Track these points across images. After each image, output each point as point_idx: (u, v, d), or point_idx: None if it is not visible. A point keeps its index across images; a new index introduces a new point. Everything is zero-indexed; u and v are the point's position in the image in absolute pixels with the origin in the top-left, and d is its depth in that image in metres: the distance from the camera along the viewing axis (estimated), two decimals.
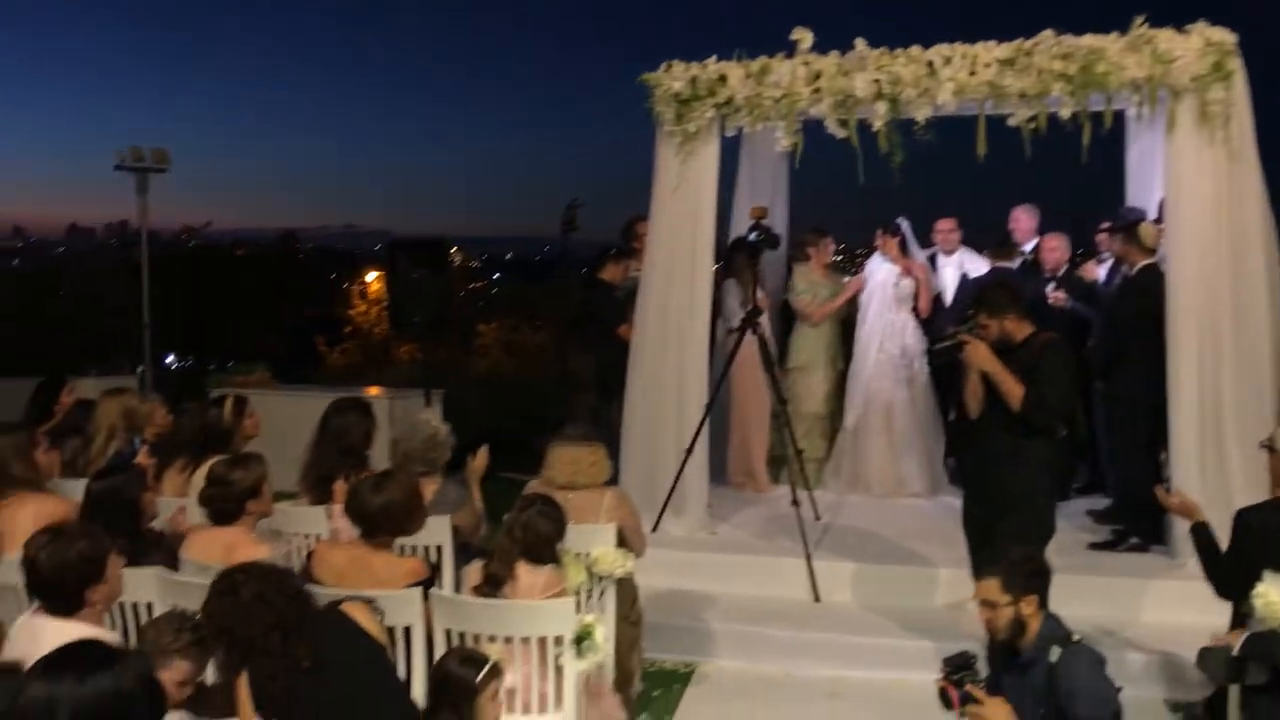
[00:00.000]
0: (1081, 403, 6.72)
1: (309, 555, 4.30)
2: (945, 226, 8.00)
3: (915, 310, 7.74)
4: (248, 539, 4.26)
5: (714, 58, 6.50)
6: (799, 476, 6.68)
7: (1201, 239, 5.85)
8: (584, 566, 4.38)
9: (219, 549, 4.22)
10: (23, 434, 4.82)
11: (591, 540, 4.67)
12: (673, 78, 6.54)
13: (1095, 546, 6.42)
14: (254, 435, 5.72)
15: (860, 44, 6.20)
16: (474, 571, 4.29)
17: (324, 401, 5.70)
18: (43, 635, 3.10)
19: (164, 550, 4.42)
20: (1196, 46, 5.76)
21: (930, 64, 6.04)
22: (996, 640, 3.49)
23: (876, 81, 6.08)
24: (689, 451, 6.50)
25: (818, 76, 6.23)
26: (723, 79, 6.42)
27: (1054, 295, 7.05)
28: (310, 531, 5.01)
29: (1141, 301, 6.20)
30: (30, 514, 4.32)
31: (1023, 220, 7.80)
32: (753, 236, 6.70)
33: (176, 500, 5.10)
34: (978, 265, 7.80)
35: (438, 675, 3.54)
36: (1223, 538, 4.40)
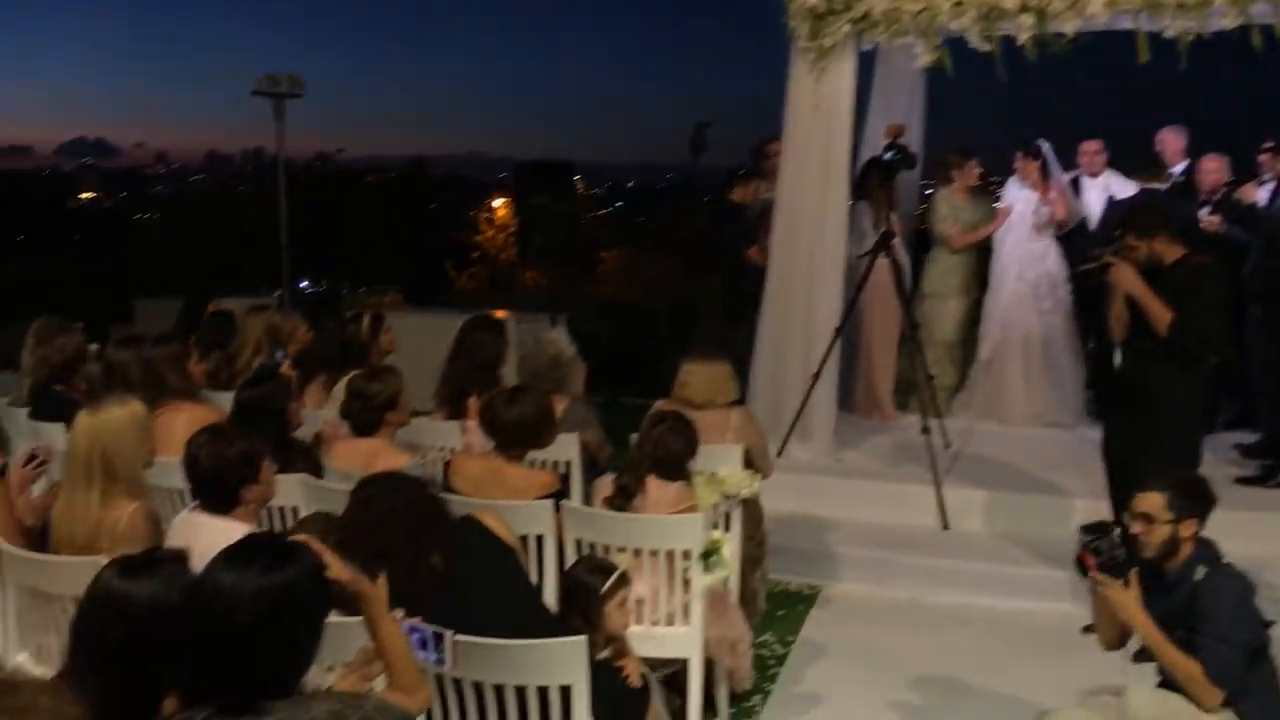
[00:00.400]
0: (1233, 331, 6.42)
1: (445, 466, 4.42)
2: (1091, 148, 7.65)
3: (1057, 229, 7.43)
4: (388, 448, 4.40)
5: None
6: (929, 404, 6.56)
7: None
8: (714, 485, 4.39)
9: (360, 458, 4.36)
10: (176, 345, 5.05)
11: (719, 460, 4.68)
12: None
13: (1243, 481, 6.18)
14: (390, 351, 5.87)
15: None
16: (605, 485, 4.35)
17: (453, 323, 5.82)
18: (200, 530, 3.27)
19: (308, 459, 4.59)
20: None
21: None
22: (1143, 557, 3.37)
23: None
24: (816, 377, 6.44)
25: None
26: None
27: (1207, 219, 6.70)
28: (444, 445, 5.14)
29: None
30: (184, 421, 4.51)
31: (1170, 141, 7.42)
32: (888, 156, 6.53)
33: (318, 412, 5.29)
34: (1124, 188, 7.46)
35: (567, 582, 3.63)
36: None
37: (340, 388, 5.32)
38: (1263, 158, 6.94)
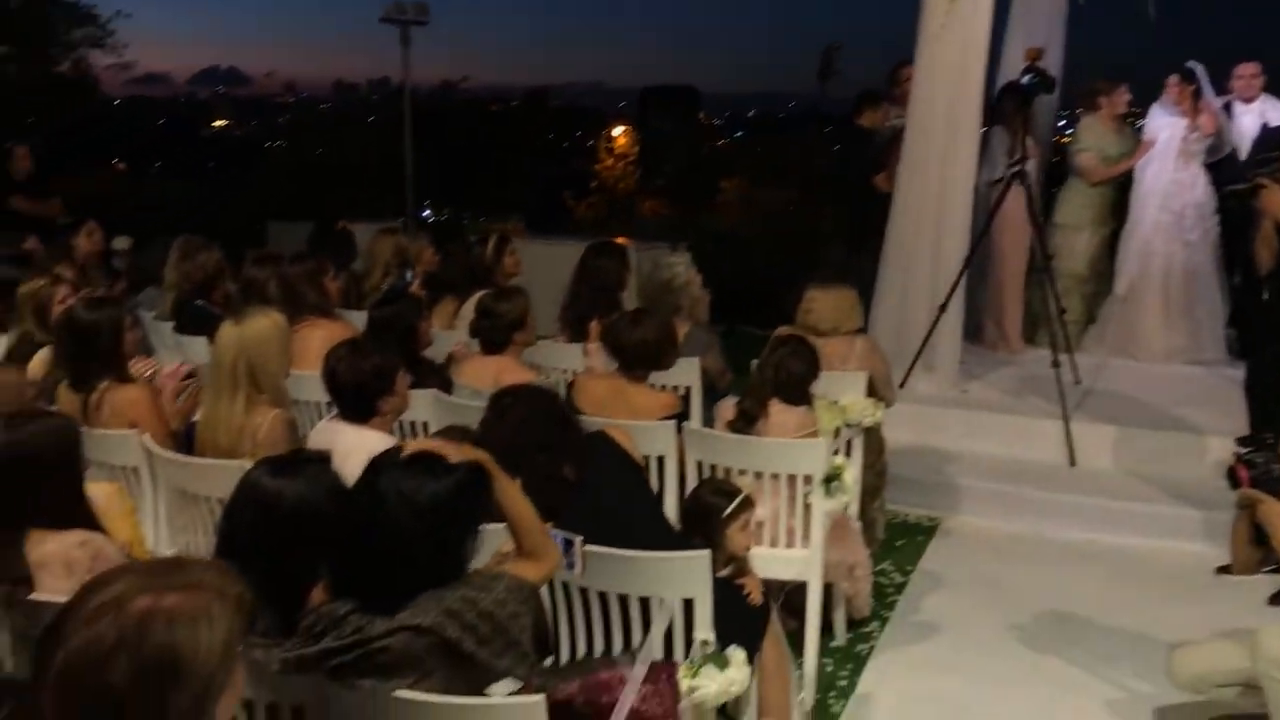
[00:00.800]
0: None
1: (569, 386, 4.49)
2: (1247, 71, 7.22)
3: (1206, 156, 7.07)
4: (515, 366, 4.49)
5: None
6: (1060, 337, 6.38)
7: None
8: (836, 411, 4.37)
9: (489, 375, 4.46)
10: (313, 262, 5.20)
11: (842, 387, 4.65)
12: None
13: None
14: (515, 274, 5.96)
15: None
16: (726, 409, 4.37)
17: (572, 251, 5.86)
18: (339, 438, 3.40)
19: (438, 376, 4.71)
20: None
21: None
22: None
23: None
24: (943, 307, 6.31)
25: None
26: None
27: None
28: (566, 367, 5.22)
29: None
30: (320, 337, 4.66)
31: None
32: (1026, 80, 6.30)
33: (446, 333, 5.41)
34: None
35: (691, 503, 3.67)
36: None
37: (467, 308, 5.44)
38: None
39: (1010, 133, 6.80)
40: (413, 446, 2.32)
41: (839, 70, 10.74)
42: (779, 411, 4.15)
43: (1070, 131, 8.16)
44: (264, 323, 3.74)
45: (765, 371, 4.23)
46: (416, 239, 6.58)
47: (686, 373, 4.78)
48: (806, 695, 3.84)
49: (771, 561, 3.89)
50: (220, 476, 3.46)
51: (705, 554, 3.01)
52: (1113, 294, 7.39)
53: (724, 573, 3.41)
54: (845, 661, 4.21)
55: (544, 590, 3.09)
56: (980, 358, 7.16)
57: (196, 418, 3.95)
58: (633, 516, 3.12)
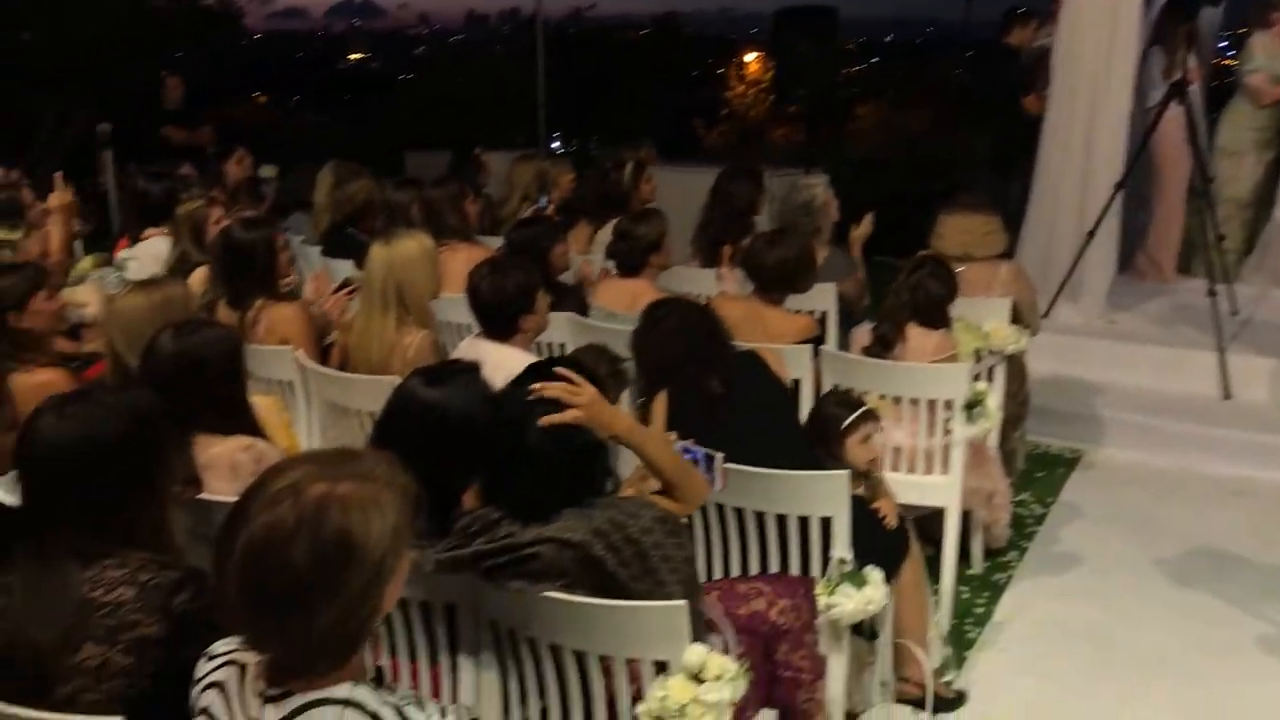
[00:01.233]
0: None
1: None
2: None
3: None
4: (650, 288, 4.51)
5: None
6: (1217, 265, 6.08)
7: None
8: (976, 334, 4.28)
9: (625, 297, 4.50)
10: (454, 186, 5.29)
11: (985, 312, 4.54)
12: None
13: None
14: (650, 200, 5.96)
15: None
16: (862, 334, 4.32)
17: (703, 178, 5.82)
18: (482, 355, 3.47)
19: (574, 299, 4.77)
20: None
21: None
22: None
23: None
24: (1091, 234, 6.08)
25: None
26: None
27: None
28: (700, 291, 5.20)
29: None
30: (460, 260, 4.74)
31: None
32: None
33: (581, 257, 5.46)
34: None
35: (813, 413, 3.63)
36: None
37: (603, 233, 5.47)
38: None
39: (1170, 51, 6.44)
40: (552, 390, 2.31)
41: None
42: (917, 335, 4.08)
43: (1232, 54, 7.70)
44: (411, 244, 3.83)
45: (902, 294, 4.15)
46: (558, 164, 6.62)
47: (823, 297, 4.73)
48: (942, 619, 3.83)
49: (909, 487, 3.86)
50: (371, 390, 3.60)
51: (844, 474, 3.01)
52: (1273, 221, 6.99)
53: (858, 492, 3.40)
54: (982, 589, 4.16)
55: None
56: (1130, 287, 6.88)
57: (332, 338, 4.11)
58: (776, 436, 3.13)
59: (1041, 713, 3.37)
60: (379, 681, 1.58)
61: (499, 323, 3.56)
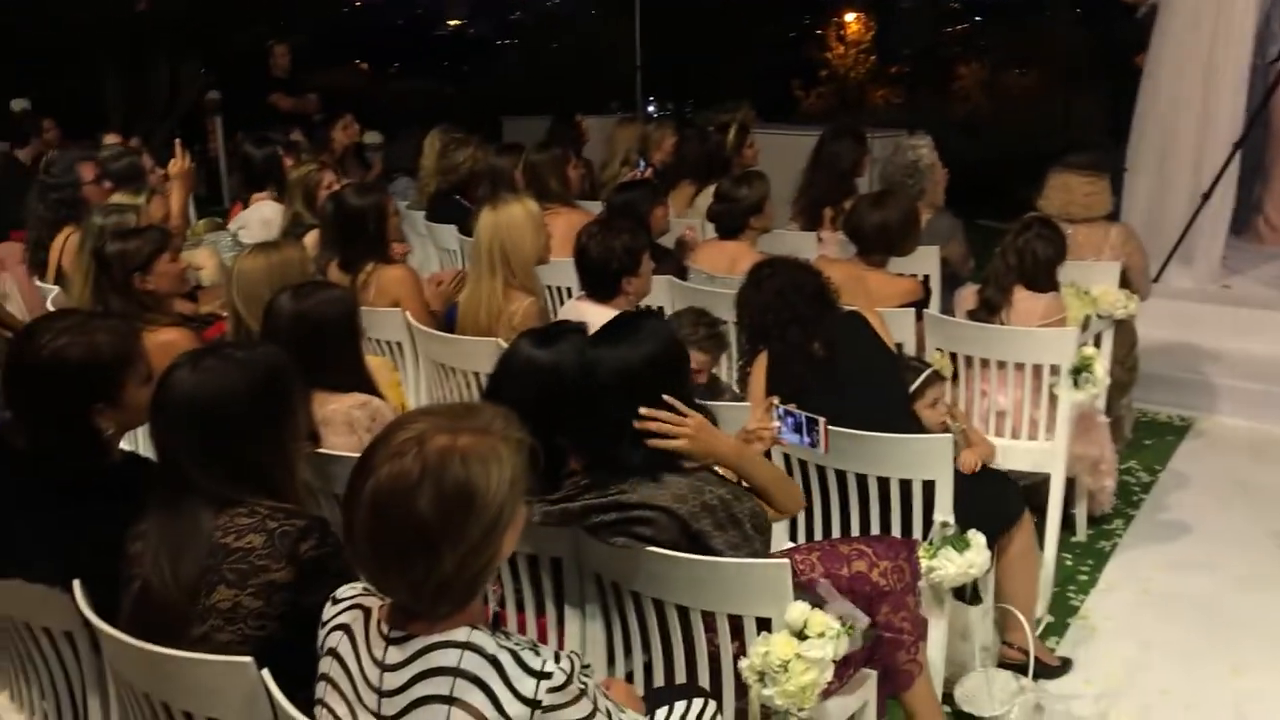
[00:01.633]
0: None
1: None
2: None
3: None
4: (750, 252, 4.50)
5: None
6: None
7: None
8: (1085, 299, 4.19)
9: (724, 260, 4.51)
10: (558, 151, 5.34)
11: (1093, 276, 4.44)
12: None
13: None
14: (753, 164, 5.93)
15: None
16: (967, 295, 4.27)
17: (801, 141, 5.76)
18: (585, 316, 3.51)
19: (672, 262, 4.79)
20: None
21: None
22: None
23: None
24: (1206, 196, 5.89)
25: None
26: None
27: None
28: (800, 254, 5.17)
29: None
30: (562, 225, 4.80)
31: None
32: None
33: (681, 220, 5.48)
34: None
35: None
36: None
37: (703, 197, 5.47)
38: None
39: None
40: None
41: None
42: (1024, 298, 4.01)
43: None
44: (518, 209, 3.90)
45: (1009, 256, 4.08)
46: (660, 127, 6.62)
47: (926, 260, 4.67)
48: (1045, 586, 3.78)
49: (1013, 453, 3.82)
50: (476, 352, 3.68)
51: (948, 437, 2.99)
52: None
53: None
54: (1086, 557, 4.11)
55: (783, 467, 3.16)
56: (1245, 251, 6.66)
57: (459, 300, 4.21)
58: (878, 399, 3.12)
59: (1147, 682, 3.32)
60: (496, 626, 1.64)
61: (603, 283, 3.61)
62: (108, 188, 4.93)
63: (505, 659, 1.56)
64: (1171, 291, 5.85)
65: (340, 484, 2.29)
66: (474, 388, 3.74)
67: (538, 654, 1.58)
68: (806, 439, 2.72)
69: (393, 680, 1.60)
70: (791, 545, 2.93)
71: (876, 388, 3.14)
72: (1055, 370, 3.83)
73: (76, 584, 2.04)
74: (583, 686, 1.59)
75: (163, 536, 2.01)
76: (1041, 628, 3.55)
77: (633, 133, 6.36)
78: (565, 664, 1.59)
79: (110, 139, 6.59)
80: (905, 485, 2.98)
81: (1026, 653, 3.18)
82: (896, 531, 3.01)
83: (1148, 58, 6.19)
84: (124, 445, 2.51)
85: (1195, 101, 5.96)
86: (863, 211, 4.13)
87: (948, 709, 3.03)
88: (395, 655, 1.61)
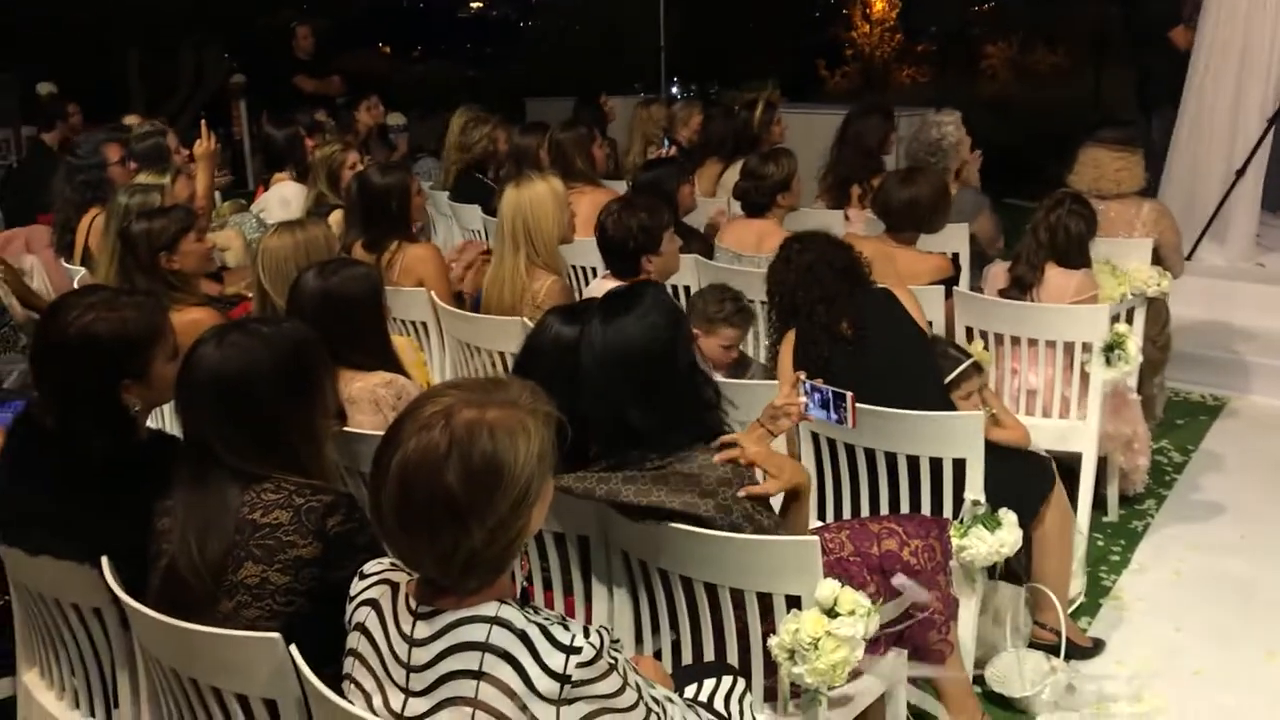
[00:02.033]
0: None
1: None
2: None
3: None
4: (777, 230, 4.46)
5: None
6: None
7: None
8: (1119, 276, 4.13)
9: (751, 238, 4.47)
10: (584, 130, 5.31)
11: (1127, 253, 4.38)
12: None
13: None
14: (780, 141, 5.88)
15: None
16: (998, 273, 4.21)
17: (827, 120, 5.70)
18: None
19: (699, 241, 4.76)
20: None
21: None
22: None
23: None
24: (1240, 173, 5.80)
25: None
26: None
27: None
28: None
29: None
30: (588, 204, 4.77)
31: None
32: None
33: (708, 200, 5.44)
34: None
35: None
36: None
37: (729, 175, 5.44)
38: None
39: None
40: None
41: None
42: (1056, 275, 3.96)
43: None
44: (541, 187, 3.87)
45: (1040, 233, 4.02)
46: (686, 106, 6.57)
47: (955, 238, 4.62)
48: (1076, 566, 3.74)
49: (1045, 431, 3.77)
50: (501, 331, 3.67)
51: (979, 414, 2.96)
52: None
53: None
54: (1117, 537, 4.06)
55: (812, 446, 3.14)
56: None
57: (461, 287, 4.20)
58: (908, 377, 3.08)
59: (1180, 663, 3.28)
60: (525, 601, 1.63)
61: (622, 260, 3.58)
62: (132, 168, 4.94)
63: (534, 633, 1.55)
64: (1205, 269, 5.77)
65: (366, 462, 2.28)
66: (499, 367, 3.73)
67: (567, 628, 1.56)
68: (834, 415, 2.68)
69: (421, 655, 1.59)
70: (821, 524, 2.90)
71: (906, 368, 3.10)
72: (1087, 348, 3.78)
73: (105, 560, 2.04)
74: (613, 661, 1.57)
75: (190, 513, 2.00)
76: (1074, 608, 3.50)
77: (657, 114, 6.32)
78: (595, 638, 1.57)
79: (130, 120, 6.59)
80: (936, 463, 2.95)
81: (1059, 633, 3.15)
82: (927, 510, 2.97)
83: (1196, 35, 6.09)
84: (150, 423, 2.51)
85: (1230, 78, 5.86)
86: (891, 188, 4.09)
87: (978, 689, 3.00)
88: (423, 630, 1.59)
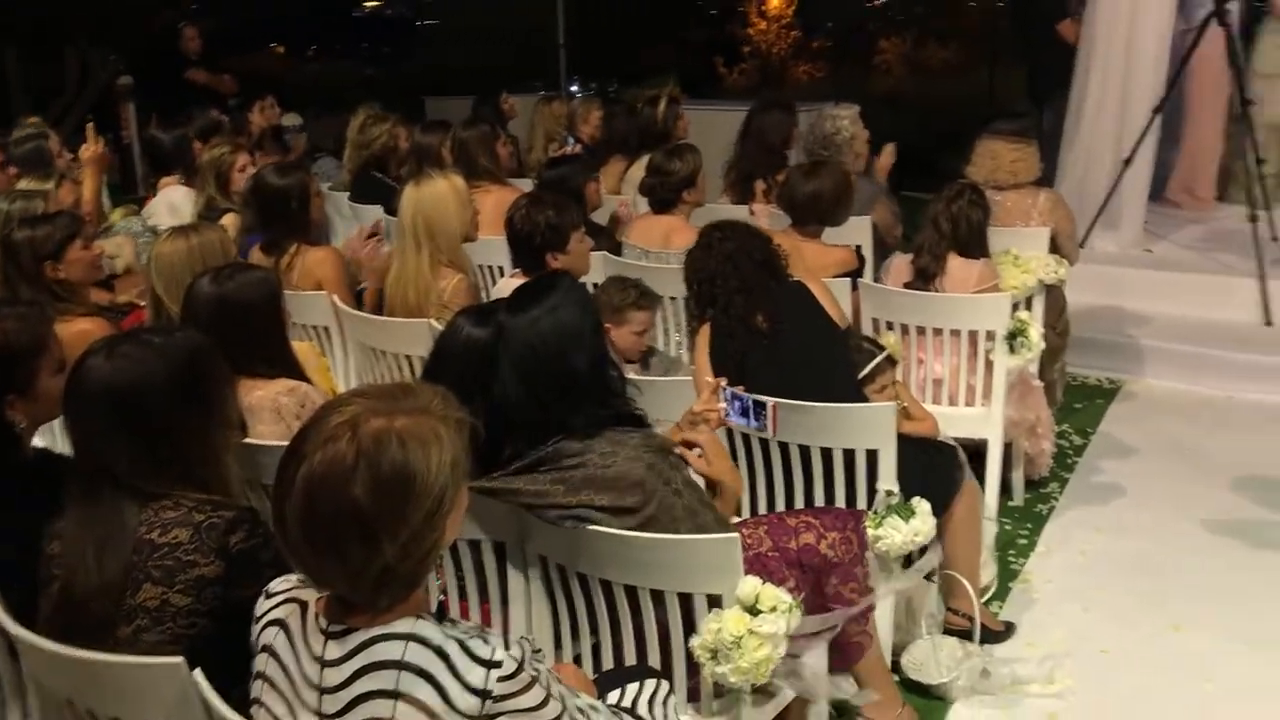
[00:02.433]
0: None
1: None
2: None
3: None
4: (684, 226, 4.46)
5: None
6: (1258, 191, 5.96)
7: None
8: (1020, 266, 4.21)
9: (657, 234, 4.45)
10: (487, 128, 5.24)
11: (1022, 242, 4.47)
12: None
13: None
14: (684, 137, 5.87)
15: None
16: (899, 266, 4.25)
17: (726, 116, 5.72)
18: None
19: (606, 238, 4.73)
20: None
21: None
22: None
23: None
24: (1128, 161, 5.97)
25: None
26: None
27: None
28: None
29: None
30: (493, 202, 4.71)
31: None
32: None
33: (613, 197, 5.40)
34: None
35: None
36: None
37: (635, 171, 5.41)
38: None
39: None
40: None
41: None
42: (958, 266, 4.02)
43: None
44: (442, 184, 3.80)
45: (942, 224, 4.07)
46: (585, 103, 6.52)
47: (859, 230, 4.66)
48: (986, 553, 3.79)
49: (951, 420, 3.81)
50: (407, 334, 3.59)
51: (891, 405, 2.98)
52: None
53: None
54: (1024, 521, 4.14)
55: (730, 442, 3.12)
56: (1167, 216, 6.78)
57: (363, 284, 4.09)
58: (821, 370, 3.08)
59: (1089, 643, 3.35)
60: (441, 616, 1.57)
61: (530, 257, 3.53)
62: (12, 173, 4.72)
63: (452, 649, 1.49)
64: (1098, 256, 5.94)
65: (269, 474, 2.19)
66: (406, 371, 3.64)
67: (487, 642, 1.51)
68: (755, 422, 2.68)
69: (334, 676, 1.52)
70: (738, 520, 2.88)
71: (817, 362, 3.10)
72: (991, 336, 3.85)
73: None
74: (535, 673, 1.53)
75: (83, 534, 1.90)
76: (987, 596, 3.56)
77: (558, 110, 6.27)
78: (516, 651, 1.52)
79: (32, 121, 6.31)
80: (849, 455, 2.96)
81: (972, 619, 3.19)
82: (841, 503, 2.98)
83: (1084, 28, 6.24)
84: (37, 441, 2.39)
85: (1117, 68, 6.03)
86: (796, 182, 4.10)
87: (896, 678, 3.02)
88: (335, 650, 1.53)
